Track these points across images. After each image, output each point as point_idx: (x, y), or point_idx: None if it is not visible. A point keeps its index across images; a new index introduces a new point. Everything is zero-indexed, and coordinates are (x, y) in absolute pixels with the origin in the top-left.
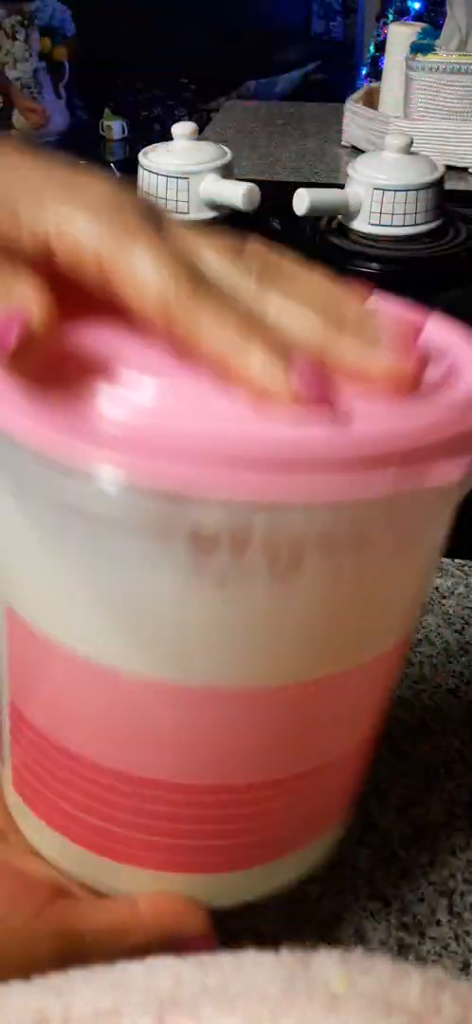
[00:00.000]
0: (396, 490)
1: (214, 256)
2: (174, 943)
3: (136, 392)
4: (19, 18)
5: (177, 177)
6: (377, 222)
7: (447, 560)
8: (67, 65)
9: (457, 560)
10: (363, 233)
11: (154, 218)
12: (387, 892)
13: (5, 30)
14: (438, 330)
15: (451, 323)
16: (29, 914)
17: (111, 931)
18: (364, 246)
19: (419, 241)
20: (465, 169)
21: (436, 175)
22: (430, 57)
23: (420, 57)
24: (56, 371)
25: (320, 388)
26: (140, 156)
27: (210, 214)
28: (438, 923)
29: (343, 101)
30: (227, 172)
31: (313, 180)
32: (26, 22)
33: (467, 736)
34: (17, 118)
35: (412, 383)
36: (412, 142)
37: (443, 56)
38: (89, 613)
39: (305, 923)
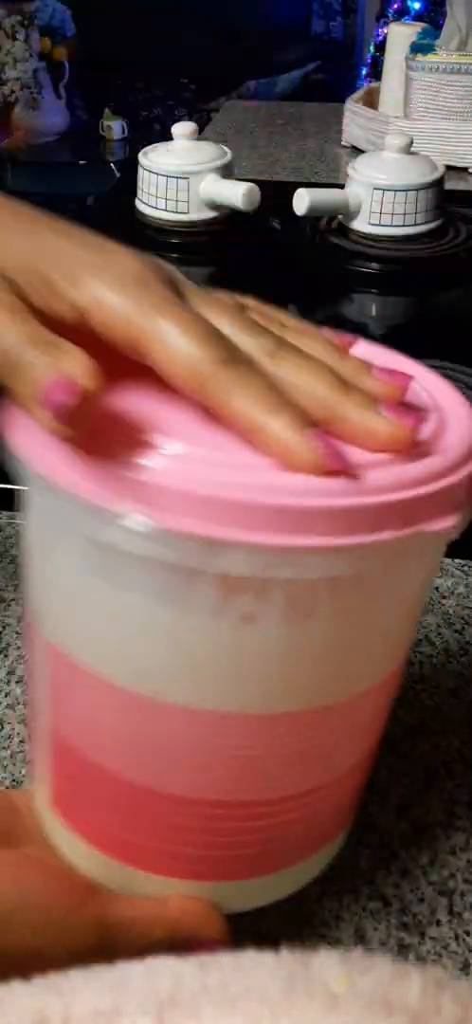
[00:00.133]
0: (400, 537)
1: (228, 322)
2: (194, 943)
3: (170, 447)
4: (19, 18)
5: (177, 177)
6: (377, 222)
7: (447, 560)
8: (67, 65)
9: (457, 560)
10: (363, 233)
11: (175, 288)
12: (387, 892)
13: (5, 30)
14: (423, 381)
15: (433, 373)
16: (69, 907)
17: (143, 922)
18: (364, 246)
19: (419, 241)
20: (465, 169)
21: (436, 175)
22: (430, 57)
23: (420, 57)
24: (99, 428)
25: (336, 453)
26: (140, 156)
27: (210, 214)
28: (438, 923)
29: (343, 101)
30: (227, 172)
31: (313, 180)
32: (26, 22)
33: (467, 736)
34: (17, 118)
35: (411, 442)
36: (412, 142)
37: (443, 56)
38: (125, 646)
39: (305, 923)
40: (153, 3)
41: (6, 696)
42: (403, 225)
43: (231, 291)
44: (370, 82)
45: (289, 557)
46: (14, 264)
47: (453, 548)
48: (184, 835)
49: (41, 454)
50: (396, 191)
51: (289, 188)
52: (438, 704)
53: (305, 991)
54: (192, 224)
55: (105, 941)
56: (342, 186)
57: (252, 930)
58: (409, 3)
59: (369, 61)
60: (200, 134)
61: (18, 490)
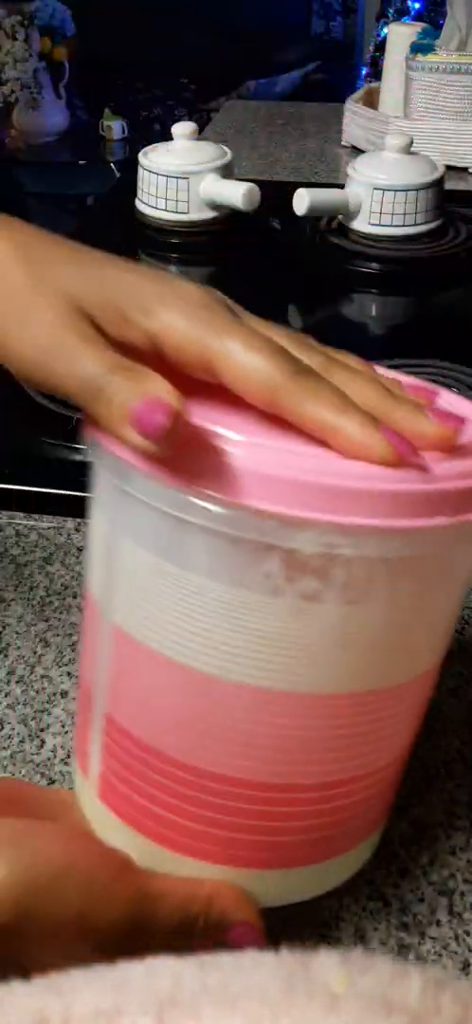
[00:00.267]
0: (455, 523)
1: (285, 337)
2: (227, 926)
3: (240, 437)
4: (19, 18)
5: (177, 177)
6: (377, 222)
7: None
8: (67, 65)
9: None
10: (363, 233)
11: (233, 312)
12: (387, 892)
13: (5, 30)
14: (449, 400)
15: (457, 395)
16: (111, 875)
17: (178, 897)
18: (364, 246)
19: (419, 241)
20: (465, 169)
21: (436, 175)
22: (430, 57)
23: (420, 57)
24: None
25: (407, 445)
26: (140, 156)
27: (210, 214)
28: (438, 923)
29: (343, 101)
30: (227, 172)
31: (313, 180)
32: (26, 22)
33: (467, 736)
34: (17, 118)
35: (455, 443)
36: (412, 142)
37: (443, 56)
38: (189, 625)
39: (305, 923)
40: (153, 3)
41: (6, 696)
42: (403, 225)
43: (228, 292)
44: (370, 82)
45: (353, 536)
46: (89, 298)
47: None
48: (232, 818)
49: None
50: (396, 191)
51: (289, 188)
52: (438, 704)
53: (305, 991)
54: (192, 224)
55: (142, 913)
56: (342, 186)
57: None
58: (409, 3)
59: (369, 61)
60: (200, 134)
61: (18, 490)
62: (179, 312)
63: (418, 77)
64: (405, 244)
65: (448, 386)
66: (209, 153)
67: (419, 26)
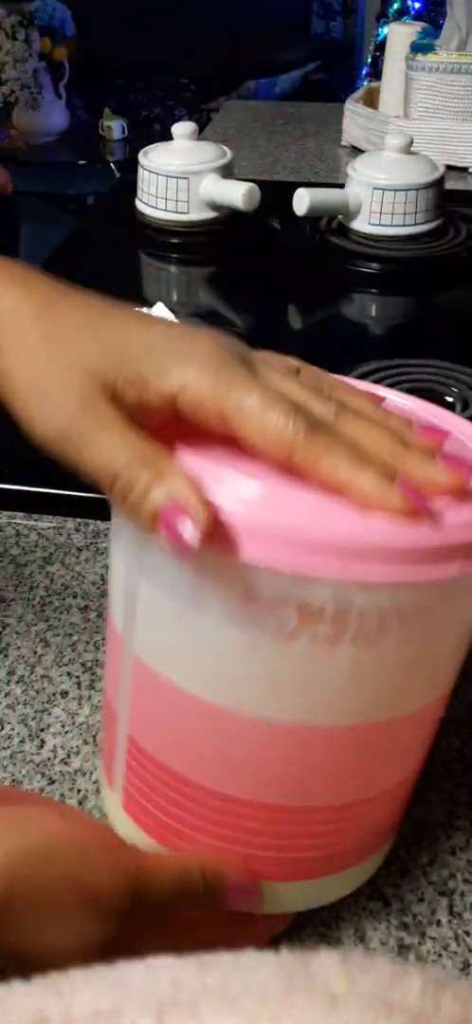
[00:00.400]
0: (462, 572)
1: (298, 391)
2: (224, 891)
3: (252, 490)
4: (19, 18)
5: (177, 177)
6: (377, 222)
7: None
8: (67, 65)
9: None
10: (363, 233)
11: (247, 362)
12: (387, 892)
13: (5, 30)
14: (460, 433)
15: (458, 417)
16: (108, 849)
17: (176, 868)
18: (364, 246)
19: (419, 241)
20: (465, 169)
21: (436, 175)
22: (430, 57)
23: (420, 57)
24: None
25: (420, 498)
26: (140, 156)
27: (210, 214)
28: (438, 923)
29: (343, 101)
30: (227, 172)
31: (313, 180)
32: (26, 22)
33: (467, 736)
34: (17, 118)
35: (465, 489)
36: (412, 142)
37: (443, 56)
38: (206, 664)
39: (305, 923)
40: (153, 3)
41: (6, 696)
42: (403, 225)
43: (228, 291)
44: (370, 82)
45: (366, 590)
46: (107, 372)
47: None
48: (249, 836)
49: None
50: (396, 191)
51: (289, 188)
52: None
53: (305, 991)
54: (192, 224)
55: (143, 883)
56: (342, 186)
57: None
58: (409, 3)
59: (369, 61)
60: (200, 134)
61: (18, 490)
62: (197, 371)
63: (418, 77)
64: (405, 244)
65: (448, 386)
66: (209, 153)
67: (419, 26)
